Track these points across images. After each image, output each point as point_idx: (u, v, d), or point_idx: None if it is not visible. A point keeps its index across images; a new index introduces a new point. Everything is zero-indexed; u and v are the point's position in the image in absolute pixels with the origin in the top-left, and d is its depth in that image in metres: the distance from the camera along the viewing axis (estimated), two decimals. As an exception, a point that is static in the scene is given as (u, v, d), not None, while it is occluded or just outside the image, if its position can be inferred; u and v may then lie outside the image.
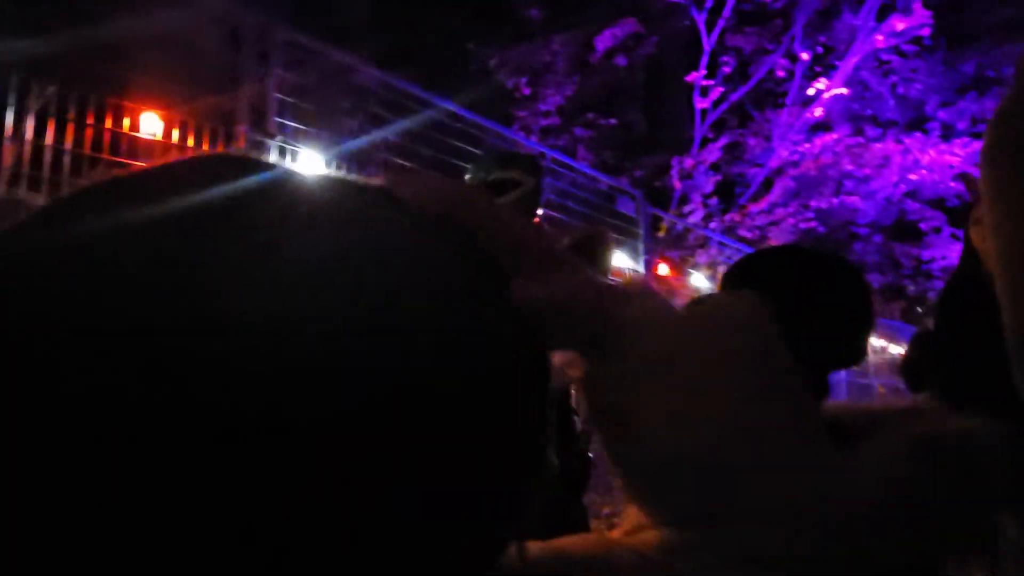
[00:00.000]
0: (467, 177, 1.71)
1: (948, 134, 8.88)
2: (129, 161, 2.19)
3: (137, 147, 2.17)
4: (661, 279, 4.72)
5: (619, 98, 7.46)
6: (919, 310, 11.11)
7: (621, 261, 4.44)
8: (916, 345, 4.24)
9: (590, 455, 1.63)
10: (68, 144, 1.99)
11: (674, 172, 6.65)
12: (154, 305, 0.17)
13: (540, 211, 1.77)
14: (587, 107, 7.14)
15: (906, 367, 4.46)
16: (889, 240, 10.98)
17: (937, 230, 11.00)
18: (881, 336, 10.70)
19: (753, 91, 7.56)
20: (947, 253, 11.29)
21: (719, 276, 5.60)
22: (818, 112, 7.59)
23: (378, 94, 3.09)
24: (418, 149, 3.18)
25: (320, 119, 2.73)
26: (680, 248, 5.07)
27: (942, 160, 8.85)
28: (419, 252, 0.21)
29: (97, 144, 2.09)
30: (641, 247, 4.52)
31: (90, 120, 2.04)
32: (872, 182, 8.44)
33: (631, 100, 7.57)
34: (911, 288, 11.48)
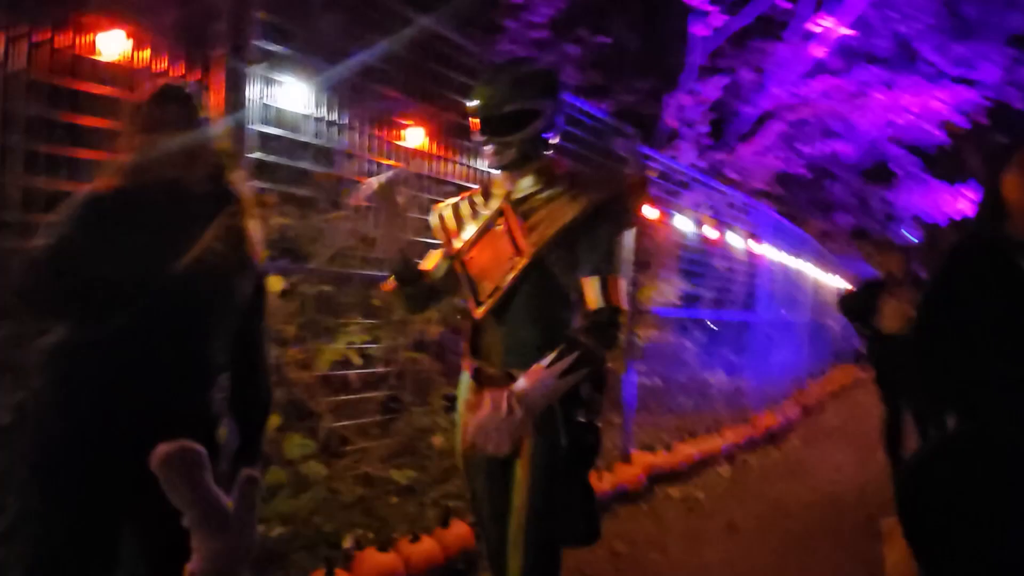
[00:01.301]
0: (474, 106, 1.48)
1: (936, 78, 8.73)
2: (92, 89, 1.93)
3: (101, 72, 1.91)
4: (648, 221, 4.64)
5: (614, 16, 7.03)
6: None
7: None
8: (866, 290, 4.52)
9: (598, 424, 1.51)
10: (20, 68, 1.73)
11: (668, 110, 6.40)
12: None
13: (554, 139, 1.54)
14: (579, 22, 6.71)
15: (849, 304, 4.74)
16: (865, 182, 11.07)
17: (911, 175, 11.09)
18: (844, 278, 11.06)
19: (755, 22, 7.20)
20: (917, 200, 11.50)
21: (705, 219, 5.56)
22: (820, 53, 7.32)
23: (369, 13, 2.80)
24: (412, 76, 2.93)
25: (305, 44, 2.46)
26: (666, 189, 4.96)
27: (927, 104, 8.75)
28: None
29: (54, 67, 1.82)
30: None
31: (45, 39, 1.76)
32: (860, 125, 8.34)
33: (627, 19, 7.14)
34: (876, 231, 11.75)
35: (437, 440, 3.53)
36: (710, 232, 5.43)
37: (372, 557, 2.59)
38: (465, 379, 1.59)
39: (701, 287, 5.65)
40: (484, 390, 1.42)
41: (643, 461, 4.22)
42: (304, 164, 2.73)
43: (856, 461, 5.39)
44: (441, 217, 1.68)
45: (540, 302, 1.46)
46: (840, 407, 8.42)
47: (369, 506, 3.13)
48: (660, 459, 4.41)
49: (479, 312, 1.49)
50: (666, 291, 5.30)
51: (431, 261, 1.68)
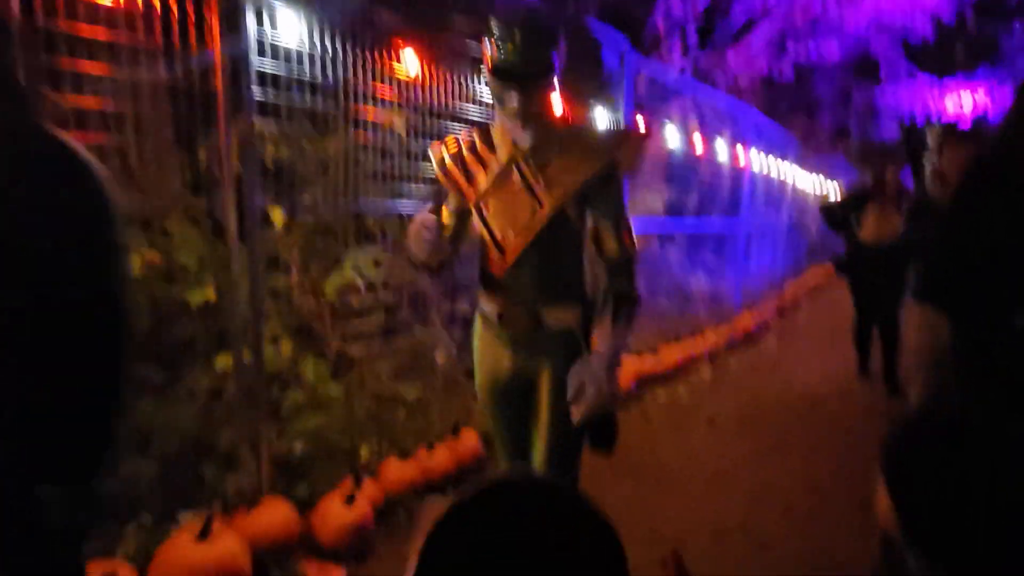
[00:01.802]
0: (509, 58, 1.45)
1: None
2: (82, 31, 1.88)
3: (96, 11, 1.84)
4: (638, 134, 4.64)
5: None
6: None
7: (601, 117, 4.31)
8: (849, 202, 4.54)
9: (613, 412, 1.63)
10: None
11: (658, 14, 6.17)
12: None
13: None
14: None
15: (831, 214, 4.79)
16: (849, 77, 10.94)
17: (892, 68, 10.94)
18: (821, 175, 11.16)
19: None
20: (899, 98, 11.43)
21: (691, 126, 5.55)
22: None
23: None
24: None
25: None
26: (655, 98, 4.91)
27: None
28: None
29: (47, 8, 1.76)
30: (622, 101, 4.37)
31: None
32: (849, 20, 8.13)
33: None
34: (856, 130, 11.75)
35: (440, 357, 3.73)
36: (697, 138, 5.45)
37: (394, 465, 2.83)
38: (482, 321, 1.72)
39: (687, 194, 5.74)
40: (577, 372, 1.53)
41: (631, 364, 4.49)
42: (303, 94, 2.70)
43: (827, 358, 5.77)
44: (446, 166, 1.67)
45: (561, 247, 1.59)
46: (813, 307, 8.82)
47: (381, 421, 3.35)
48: (648, 363, 4.69)
49: (508, 259, 1.59)
50: (652, 199, 5.38)
51: (444, 215, 1.70)
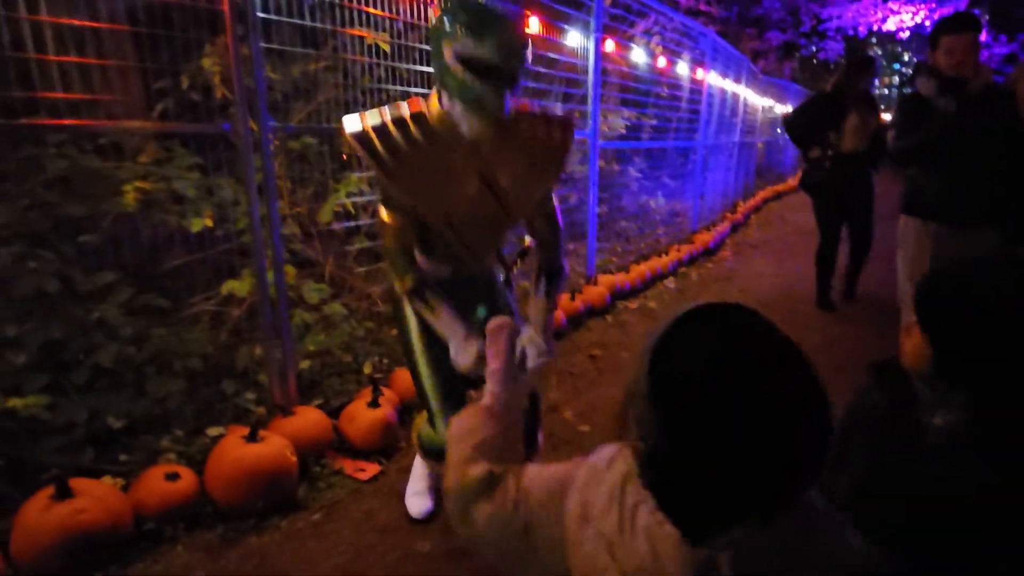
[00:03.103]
0: (497, 55, 1.42)
1: None
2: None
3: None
4: (607, 56, 4.73)
5: None
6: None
7: (573, 40, 4.37)
8: (817, 106, 4.30)
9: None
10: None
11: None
12: None
13: None
14: None
15: (800, 121, 4.51)
16: (795, -3, 11.06)
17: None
18: (768, 95, 11.45)
19: None
20: (844, 12, 11.68)
21: (655, 49, 5.65)
22: None
23: None
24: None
25: None
26: (615, 16, 4.97)
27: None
28: None
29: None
30: (593, 23, 4.43)
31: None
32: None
33: None
34: (805, 48, 12.00)
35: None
36: (659, 59, 5.57)
37: (403, 374, 3.06)
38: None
39: (649, 115, 5.90)
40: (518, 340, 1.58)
41: (606, 281, 4.79)
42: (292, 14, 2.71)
43: (777, 268, 6.24)
44: (367, 136, 1.51)
45: (504, 230, 1.83)
46: (762, 222, 9.30)
47: (378, 338, 3.55)
48: (619, 279, 5.00)
49: (471, 252, 1.74)
50: (615, 121, 5.53)
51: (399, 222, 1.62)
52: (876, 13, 10.69)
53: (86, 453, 2.26)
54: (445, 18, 1.46)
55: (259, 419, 2.40)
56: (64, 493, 1.86)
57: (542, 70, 4.09)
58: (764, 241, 7.80)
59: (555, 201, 1.82)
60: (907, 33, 10.77)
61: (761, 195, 10.69)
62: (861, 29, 10.97)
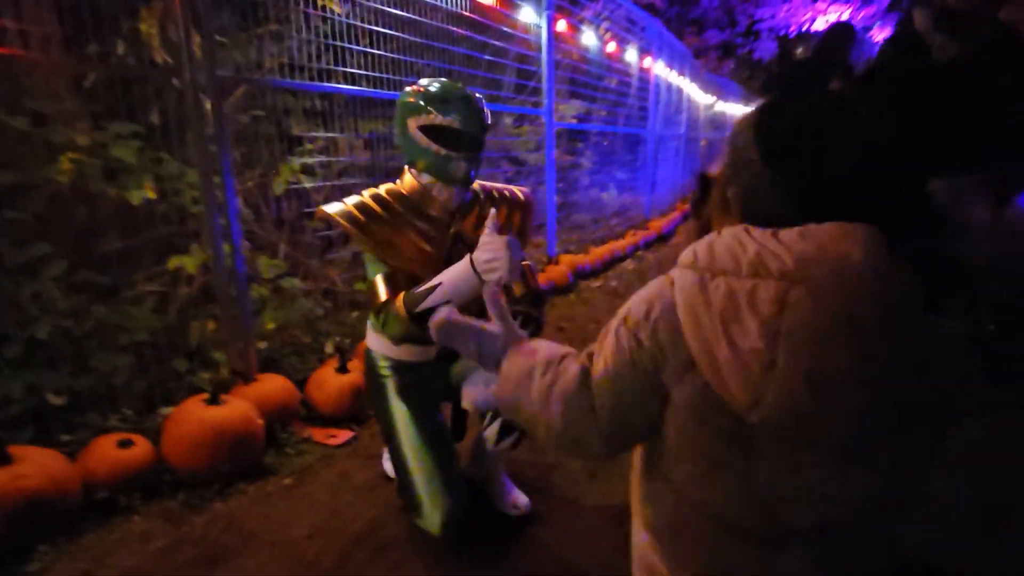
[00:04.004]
0: (468, 122, 1.55)
1: None
2: None
3: None
4: (559, 35, 4.75)
5: None
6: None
7: (527, 16, 4.37)
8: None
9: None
10: None
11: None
12: None
13: None
14: None
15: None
16: (732, -2, 11.48)
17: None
18: (710, 92, 11.80)
19: None
20: (776, 12, 12.20)
21: (604, 33, 5.71)
22: None
23: None
24: None
25: None
26: (574, 2, 5.01)
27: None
28: None
29: None
30: (544, 4, 4.44)
31: None
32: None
33: None
34: (741, 47, 12.45)
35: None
36: (609, 44, 5.64)
37: (370, 346, 2.94)
38: (394, 372, 1.72)
39: (599, 98, 5.96)
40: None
41: (568, 261, 4.78)
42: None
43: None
44: (353, 216, 1.56)
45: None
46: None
47: (338, 319, 3.42)
48: (580, 259, 5.00)
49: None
50: (568, 107, 5.56)
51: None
52: (806, 13, 11.20)
53: (25, 430, 2.06)
54: (408, 97, 1.59)
55: (220, 383, 2.25)
56: (3, 459, 1.68)
57: (497, 43, 4.07)
58: (714, 228, 7.97)
59: (530, 265, 1.84)
60: (835, 33, 11.27)
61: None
62: (792, 29, 11.46)
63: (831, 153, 0.67)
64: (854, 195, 0.67)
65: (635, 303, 0.75)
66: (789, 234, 0.65)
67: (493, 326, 0.91)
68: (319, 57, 2.98)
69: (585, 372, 0.77)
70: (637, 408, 0.74)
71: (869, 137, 0.68)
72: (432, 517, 1.56)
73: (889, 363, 0.61)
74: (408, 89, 1.62)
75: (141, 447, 1.96)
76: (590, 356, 0.80)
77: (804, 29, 11.37)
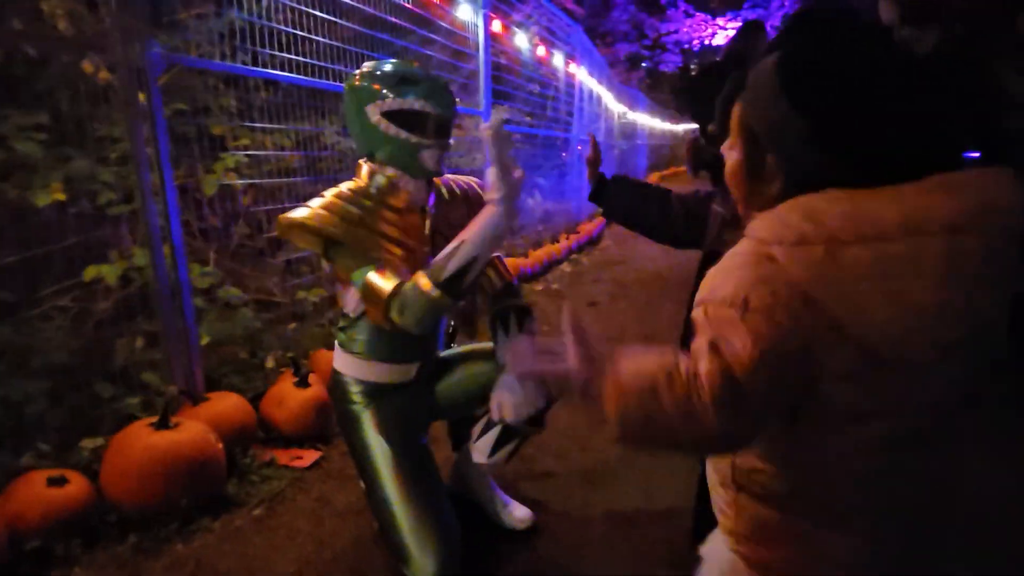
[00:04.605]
0: (443, 109, 1.44)
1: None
2: None
3: None
4: (494, 35, 4.68)
5: None
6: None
7: (464, 14, 4.26)
8: (719, 72, 4.44)
9: None
10: None
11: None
12: None
13: None
14: None
15: (696, 89, 4.65)
16: (638, 11, 11.96)
17: (673, 4, 12.22)
18: (623, 102, 12.19)
19: None
20: (679, 27, 12.83)
21: (534, 37, 5.70)
22: None
23: None
24: None
25: None
26: (506, 2, 4.96)
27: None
28: None
29: None
30: (480, 3, 4.35)
31: None
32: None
33: None
34: (649, 60, 12.98)
35: (327, 263, 3.53)
36: (539, 48, 5.63)
37: (324, 355, 2.69)
38: (370, 399, 1.54)
39: (536, 106, 5.95)
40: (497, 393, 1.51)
41: (511, 265, 4.69)
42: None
43: (661, 251, 6.50)
44: (323, 218, 1.39)
45: None
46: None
47: (280, 332, 3.13)
48: (521, 262, 4.93)
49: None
50: (501, 110, 5.51)
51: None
52: (707, 29, 11.84)
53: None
54: (361, 81, 1.43)
55: (168, 403, 1.95)
56: (-100, 513, 1.33)
57: (435, 37, 3.92)
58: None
59: (500, 257, 1.75)
60: (733, 47, 12.01)
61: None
62: (695, 43, 12.08)
63: (883, 90, 0.63)
64: (920, 138, 0.64)
65: (741, 287, 0.68)
66: (921, 187, 0.63)
67: (572, 355, 0.79)
68: (254, 40, 2.71)
69: (725, 370, 0.70)
70: (792, 387, 0.69)
71: (919, 73, 0.65)
72: (423, 567, 1.35)
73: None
74: (359, 73, 1.45)
75: (76, 484, 1.64)
76: (714, 348, 0.71)
77: (706, 43, 12.01)
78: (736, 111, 0.73)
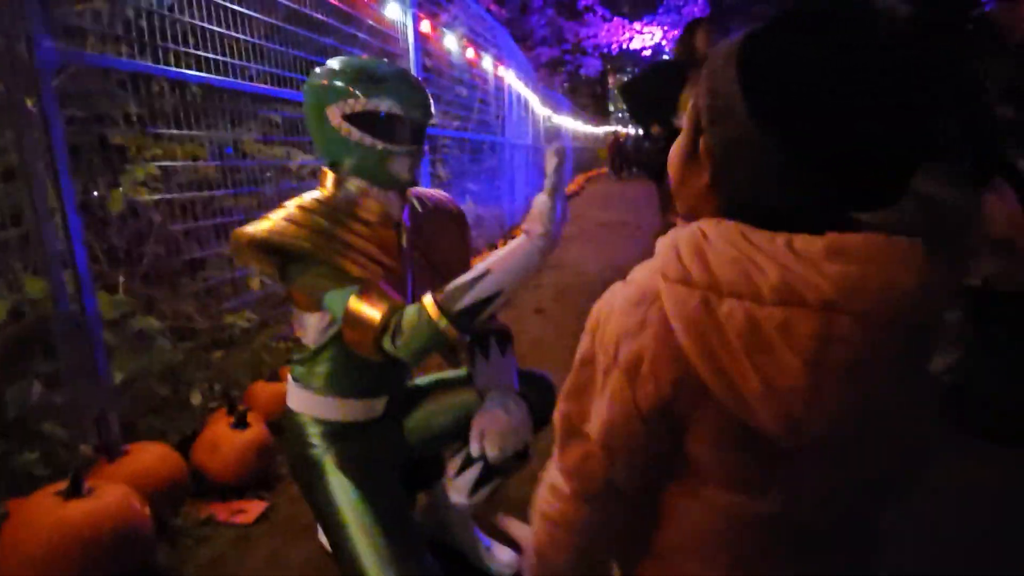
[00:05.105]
0: (417, 111, 1.27)
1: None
2: None
3: None
4: (423, 35, 4.49)
5: None
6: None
7: (393, 13, 4.05)
8: (663, 74, 3.81)
9: None
10: None
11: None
12: None
13: None
14: None
15: (642, 90, 4.18)
16: (556, 16, 12.05)
17: (590, 9, 12.42)
18: (547, 106, 12.25)
19: None
20: (598, 32, 13.04)
21: (462, 39, 5.54)
22: None
23: None
24: None
25: None
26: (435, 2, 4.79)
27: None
28: None
29: None
30: (409, 2, 4.16)
31: None
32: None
33: None
34: (569, 64, 13.10)
35: (254, 283, 3.24)
36: (468, 50, 5.49)
37: (263, 389, 2.43)
38: (332, 439, 1.34)
39: (468, 109, 5.79)
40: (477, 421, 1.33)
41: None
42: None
43: (597, 254, 6.55)
44: (286, 234, 1.20)
45: None
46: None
47: (205, 362, 2.82)
48: (461, 271, 4.76)
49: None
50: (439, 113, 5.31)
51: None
52: (624, 33, 12.09)
53: None
54: (323, 79, 1.24)
55: (80, 465, 1.64)
56: None
57: (363, 36, 3.69)
58: (572, 236, 8.17)
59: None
60: (649, 52, 12.33)
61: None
62: (614, 47, 12.31)
63: (848, 99, 0.55)
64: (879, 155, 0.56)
65: (614, 334, 0.64)
66: (810, 247, 0.55)
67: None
68: (164, 36, 2.39)
69: (583, 457, 0.68)
70: (656, 449, 0.65)
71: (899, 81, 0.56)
72: None
73: (927, 382, 0.64)
74: (321, 70, 1.27)
75: (-36, 577, 1.33)
76: (568, 433, 0.71)
77: (624, 47, 12.25)
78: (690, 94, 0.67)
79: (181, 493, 1.82)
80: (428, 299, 1.16)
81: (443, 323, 1.14)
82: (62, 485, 1.50)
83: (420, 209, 1.43)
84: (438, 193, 1.54)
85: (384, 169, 1.25)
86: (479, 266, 1.17)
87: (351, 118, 1.22)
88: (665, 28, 11.90)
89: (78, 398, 1.86)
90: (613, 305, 0.66)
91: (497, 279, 1.15)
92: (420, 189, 1.49)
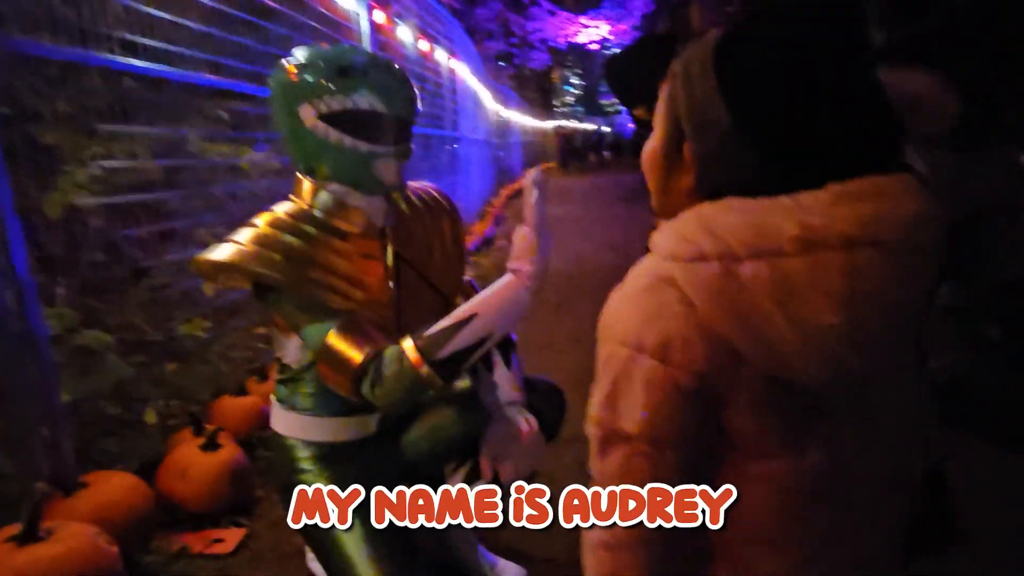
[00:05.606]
0: (403, 107, 1.15)
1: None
2: None
3: None
4: (378, 27, 4.33)
5: None
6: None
7: (347, 3, 3.88)
8: (654, 47, 4.06)
9: None
10: None
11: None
12: None
13: None
14: None
15: (629, 68, 4.33)
16: (504, 10, 11.97)
17: (535, 2, 12.40)
18: (498, 100, 12.16)
19: None
20: (544, 25, 13.02)
21: (415, 31, 5.38)
22: None
23: None
24: None
25: None
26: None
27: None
28: None
29: None
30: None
31: None
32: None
33: None
34: (517, 57, 13.03)
35: (208, 288, 3.04)
36: (421, 42, 5.34)
37: (230, 404, 2.26)
38: (321, 460, 1.24)
39: (424, 104, 5.64)
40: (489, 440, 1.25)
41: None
42: None
43: (561, 248, 6.50)
44: (256, 258, 1.08)
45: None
46: (515, 215, 9.75)
47: (157, 377, 2.62)
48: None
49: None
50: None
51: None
52: (570, 27, 12.11)
53: None
54: (290, 76, 1.11)
55: (36, 506, 1.45)
56: None
57: (315, 24, 3.51)
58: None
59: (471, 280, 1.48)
60: (596, 45, 12.41)
61: (505, 193, 11.27)
62: (561, 40, 12.32)
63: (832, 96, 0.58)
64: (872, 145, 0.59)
65: (634, 325, 0.64)
66: (817, 198, 0.58)
67: None
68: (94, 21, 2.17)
69: (628, 453, 0.64)
70: (700, 431, 0.64)
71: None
72: None
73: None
74: (288, 63, 1.12)
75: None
76: (607, 440, 0.66)
77: (571, 41, 12.28)
78: (664, 87, 0.67)
79: (149, 525, 1.65)
80: (408, 344, 1.06)
81: (425, 370, 1.04)
82: (15, 529, 1.32)
83: (408, 210, 1.30)
84: (427, 186, 1.41)
85: (367, 173, 1.13)
86: (464, 307, 1.07)
87: (327, 117, 1.09)
88: (611, 21, 12.01)
89: (25, 423, 1.66)
90: (621, 303, 0.66)
91: (484, 324, 1.05)
92: (411, 184, 1.38)
